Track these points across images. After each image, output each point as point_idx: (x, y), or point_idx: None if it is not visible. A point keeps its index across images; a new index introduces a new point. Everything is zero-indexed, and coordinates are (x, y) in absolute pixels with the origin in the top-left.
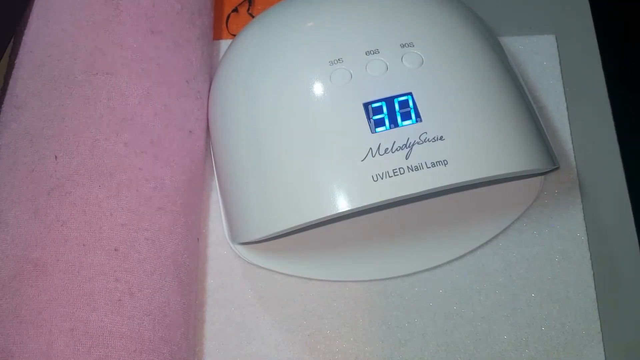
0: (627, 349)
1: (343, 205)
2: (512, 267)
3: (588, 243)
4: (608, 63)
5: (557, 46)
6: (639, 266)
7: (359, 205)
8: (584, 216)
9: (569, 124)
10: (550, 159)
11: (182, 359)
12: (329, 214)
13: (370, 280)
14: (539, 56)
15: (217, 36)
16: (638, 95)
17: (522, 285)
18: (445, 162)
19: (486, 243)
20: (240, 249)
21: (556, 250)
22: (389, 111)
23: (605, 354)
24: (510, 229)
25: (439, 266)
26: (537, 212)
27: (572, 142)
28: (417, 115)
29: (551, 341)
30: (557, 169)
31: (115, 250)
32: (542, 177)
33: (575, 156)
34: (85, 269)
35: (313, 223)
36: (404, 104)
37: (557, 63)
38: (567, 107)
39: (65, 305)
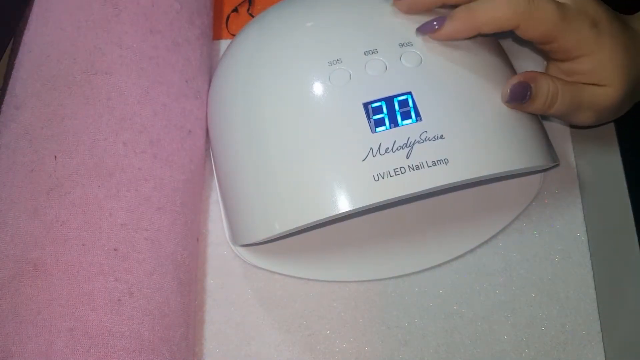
0: (627, 349)
1: (345, 205)
2: (512, 267)
3: (588, 243)
4: None
5: None
6: (639, 266)
7: (361, 205)
8: (584, 216)
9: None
10: (550, 156)
11: (182, 359)
12: (331, 215)
13: (370, 281)
14: (539, 56)
15: (217, 36)
16: None
17: (522, 285)
18: (446, 161)
19: (486, 243)
20: (241, 250)
21: (556, 250)
22: (389, 111)
23: (605, 354)
24: (510, 229)
25: (439, 266)
26: (537, 212)
27: (572, 142)
28: (417, 115)
29: (551, 341)
30: (557, 165)
31: (114, 250)
32: (542, 174)
33: (575, 156)
34: (85, 269)
35: (315, 224)
36: (403, 104)
37: None
38: None
39: (64, 305)
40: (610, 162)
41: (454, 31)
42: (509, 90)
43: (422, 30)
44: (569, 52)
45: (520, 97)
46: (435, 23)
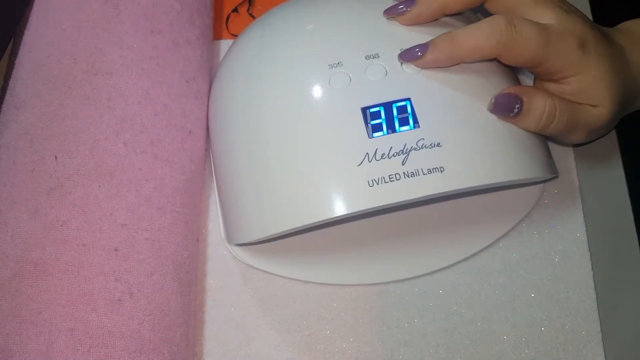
0: (627, 349)
1: (338, 209)
2: (512, 268)
3: (588, 243)
4: None
5: None
6: (639, 266)
7: (354, 211)
8: (584, 216)
9: None
10: (549, 168)
11: (182, 359)
12: (323, 219)
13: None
14: None
15: (217, 36)
16: None
17: (522, 285)
18: (442, 169)
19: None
20: (237, 250)
21: (556, 250)
22: (387, 116)
23: (605, 354)
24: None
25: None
26: (537, 212)
27: None
28: (415, 121)
29: (551, 341)
30: (555, 177)
31: (115, 250)
32: (542, 184)
33: (575, 156)
34: (85, 269)
35: (308, 227)
36: (402, 110)
37: None
38: None
39: (65, 305)
40: (610, 163)
41: (436, 60)
42: (493, 99)
43: (403, 57)
44: (554, 74)
45: (504, 109)
46: (418, 50)
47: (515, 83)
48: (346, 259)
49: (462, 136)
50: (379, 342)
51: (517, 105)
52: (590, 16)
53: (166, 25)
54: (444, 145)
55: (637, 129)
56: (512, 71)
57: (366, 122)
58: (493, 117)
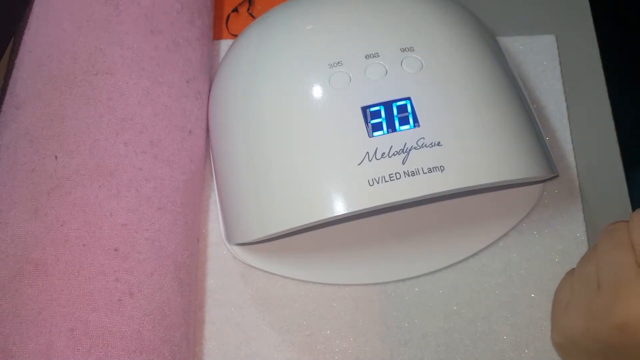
0: None
1: (338, 208)
2: (512, 268)
3: (588, 243)
4: (608, 63)
5: (557, 46)
6: None
7: (354, 210)
8: (584, 216)
9: (569, 124)
10: (549, 167)
11: (182, 359)
12: (323, 218)
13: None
14: (539, 56)
15: (217, 36)
16: (638, 95)
17: (522, 285)
18: (442, 168)
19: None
20: (237, 250)
21: (556, 250)
22: (387, 115)
23: None
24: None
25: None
26: (537, 212)
27: (572, 142)
28: (415, 120)
29: (551, 341)
30: (556, 177)
31: (115, 250)
32: (542, 184)
33: (575, 156)
34: (85, 269)
35: (308, 226)
36: (402, 109)
37: (557, 63)
38: (567, 107)
39: (65, 305)
40: (610, 162)
41: None
42: None
43: None
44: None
45: None
46: None
47: (513, 81)
48: (346, 259)
49: (462, 135)
50: (379, 342)
51: None
52: (591, 20)
53: (166, 25)
54: (444, 145)
55: (637, 129)
56: (510, 69)
57: (366, 121)
58: (493, 116)
